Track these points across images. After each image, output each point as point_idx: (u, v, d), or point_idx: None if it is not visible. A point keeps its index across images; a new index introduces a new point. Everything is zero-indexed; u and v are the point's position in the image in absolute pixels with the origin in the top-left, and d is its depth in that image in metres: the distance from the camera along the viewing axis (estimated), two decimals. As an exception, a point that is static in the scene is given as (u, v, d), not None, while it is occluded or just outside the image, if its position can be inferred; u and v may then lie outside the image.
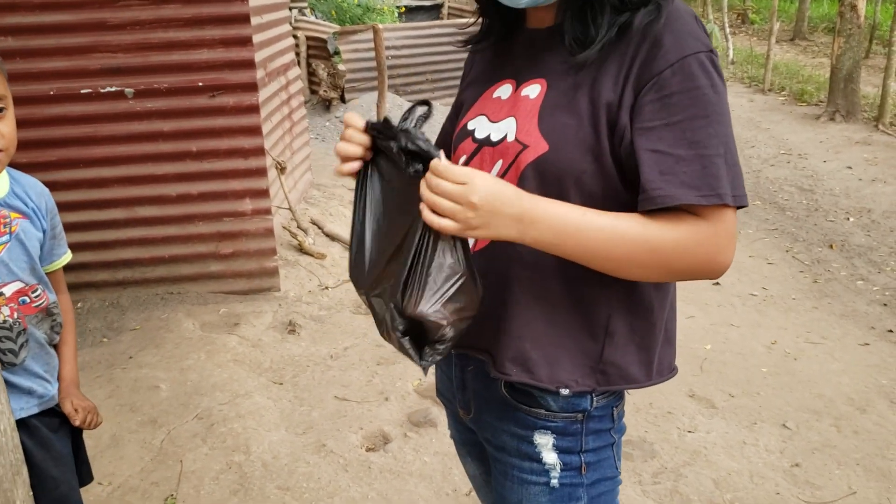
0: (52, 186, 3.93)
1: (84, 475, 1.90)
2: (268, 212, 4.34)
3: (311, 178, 6.40)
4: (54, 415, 1.77)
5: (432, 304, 1.12)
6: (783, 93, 12.38)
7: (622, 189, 1.14)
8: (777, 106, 11.42)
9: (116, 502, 2.65)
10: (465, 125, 1.32)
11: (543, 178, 1.14)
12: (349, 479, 2.77)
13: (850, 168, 7.79)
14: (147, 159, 4.15)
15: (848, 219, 6.34)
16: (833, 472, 3.00)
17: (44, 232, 1.74)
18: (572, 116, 1.14)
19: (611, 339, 1.22)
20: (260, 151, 4.23)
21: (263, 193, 4.30)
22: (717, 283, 5.00)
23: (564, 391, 1.22)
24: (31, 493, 1.53)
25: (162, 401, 3.28)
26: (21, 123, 4.05)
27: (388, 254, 1.21)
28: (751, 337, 4.27)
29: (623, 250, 1.08)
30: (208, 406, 3.23)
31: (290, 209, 5.15)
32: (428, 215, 1.06)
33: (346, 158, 1.19)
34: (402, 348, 1.18)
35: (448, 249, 1.12)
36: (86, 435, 1.92)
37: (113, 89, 4.02)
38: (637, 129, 1.09)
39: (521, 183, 1.16)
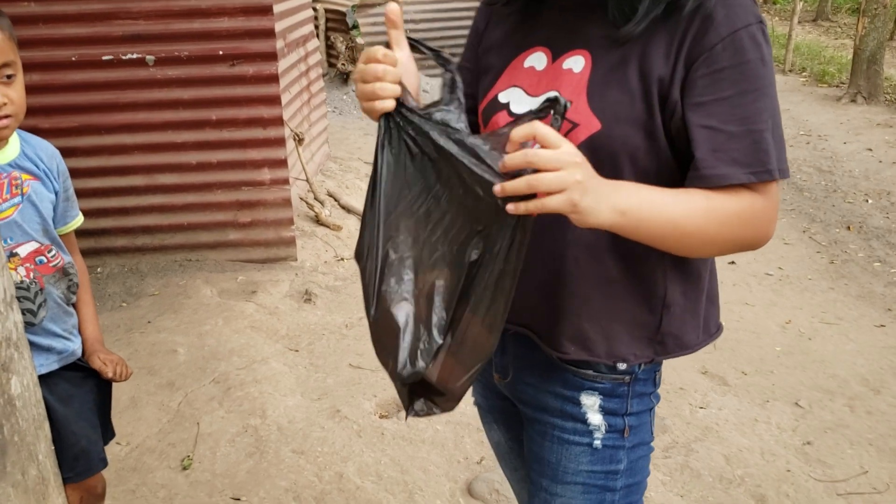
0: (74, 152, 4.02)
1: (106, 433, 1.94)
2: (285, 182, 4.36)
3: (328, 151, 6.41)
4: (77, 369, 1.80)
5: (462, 381, 1.07)
6: (804, 74, 12.23)
7: (675, 164, 1.13)
8: (798, 87, 11.29)
9: (134, 462, 2.70)
10: (496, 97, 1.25)
11: (597, 158, 1.08)
12: (363, 444, 2.81)
13: (870, 150, 7.70)
14: (167, 127, 4.17)
15: (867, 200, 6.29)
16: (845, 452, 3.01)
17: (56, 194, 1.76)
18: (623, 92, 1.10)
19: (668, 310, 1.22)
20: (278, 121, 4.24)
21: (281, 163, 4.32)
22: (733, 262, 4.99)
23: (622, 366, 1.22)
24: (53, 448, 1.56)
25: (180, 364, 3.32)
26: (43, 89, 4.13)
27: (420, 271, 1.09)
28: (765, 316, 4.26)
29: (696, 227, 1.07)
30: (225, 370, 3.27)
31: (307, 180, 5.17)
32: (525, 206, 0.98)
33: (378, 96, 1.07)
34: (396, 388, 1.12)
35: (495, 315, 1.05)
36: (111, 393, 1.95)
37: (134, 56, 4.04)
38: (688, 104, 1.08)
39: None
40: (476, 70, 1.36)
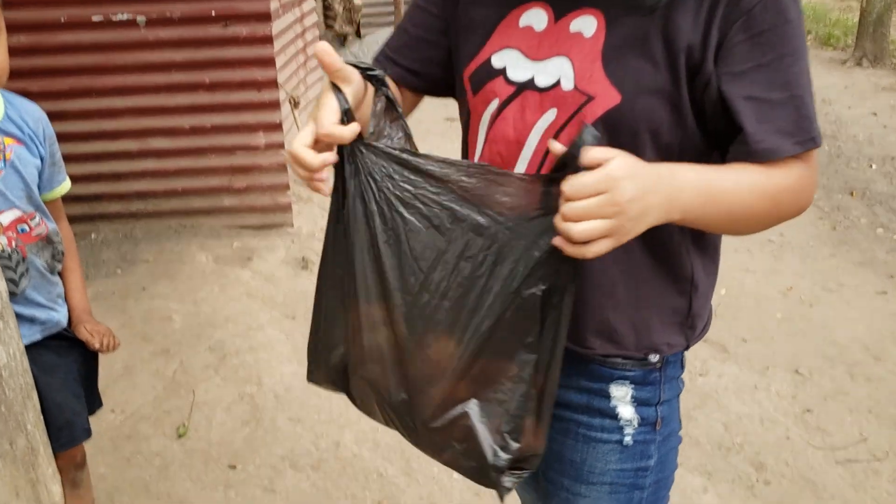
0: (64, 116, 3.95)
1: (93, 402, 1.91)
2: (281, 146, 4.30)
3: (325, 114, 6.32)
4: (61, 339, 1.76)
5: (545, 433, 0.97)
6: (809, 36, 12.07)
7: (700, 139, 1.04)
8: (802, 50, 11.15)
9: (128, 430, 2.68)
10: (489, 60, 1.10)
11: (615, 134, 0.99)
12: (360, 412, 2.79)
13: (875, 114, 7.61)
14: (159, 90, 4.09)
15: (871, 166, 6.22)
16: (845, 419, 2.99)
17: (41, 159, 1.70)
18: (646, 60, 0.99)
19: (696, 290, 1.13)
20: (273, 84, 4.16)
21: (277, 127, 4.25)
22: (734, 229, 4.95)
23: (654, 357, 1.12)
24: (42, 417, 1.53)
25: (175, 332, 3.29)
26: (32, 51, 4.04)
27: (469, 353, 0.95)
28: (766, 283, 4.23)
29: (752, 208, 0.99)
30: (221, 338, 3.25)
31: (303, 145, 5.10)
32: (572, 249, 0.87)
33: (313, 170, 0.93)
34: (475, 480, 1.00)
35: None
36: (99, 363, 1.92)
37: (125, 17, 3.94)
38: (726, 73, 0.98)
39: None
40: (446, 17, 1.20)
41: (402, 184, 0.93)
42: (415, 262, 0.94)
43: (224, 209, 4.38)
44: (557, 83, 1.03)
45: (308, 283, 3.82)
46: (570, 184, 0.84)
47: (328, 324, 1.04)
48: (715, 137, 1.04)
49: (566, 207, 0.85)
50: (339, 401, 2.84)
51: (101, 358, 1.87)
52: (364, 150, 0.94)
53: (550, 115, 1.04)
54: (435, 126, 6.44)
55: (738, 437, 2.82)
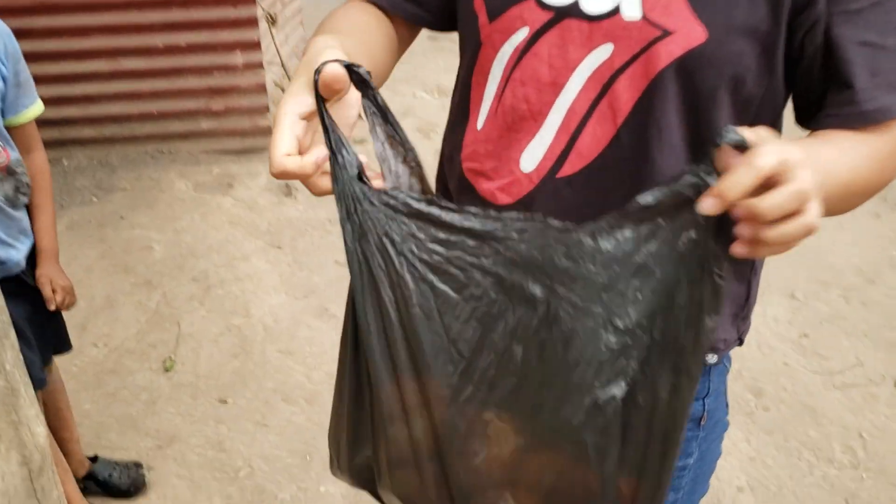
0: (29, 34, 3.71)
1: (60, 345, 1.80)
2: (260, 66, 4.11)
3: (303, 34, 6.08)
4: (19, 282, 1.63)
5: None
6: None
7: (782, 94, 0.86)
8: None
9: (112, 365, 2.59)
10: None
11: (692, 82, 0.80)
12: (352, 344, 2.72)
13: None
14: (131, 6, 3.86)
15: (862, 86, 6.15)
16: (841, 343, 2.97)
17: (4, 80, 1.55)
18: None
19: (754, 273, 0.98)
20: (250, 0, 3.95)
21: (255, 46, 4.05)
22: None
23: (711, 358, 0.96)
24: (21, 358, 1.43)
25: (156, 262, 3.18)
26: (-9, -38, 3.74)
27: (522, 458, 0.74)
28: (760, 206, 4.18)
29: (862, 181, 0.81)
30: (204, 268, 3.14)
31: (282, 65, 4.89)
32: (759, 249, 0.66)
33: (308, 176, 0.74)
34: None
35: None
36: (79, 296, 1.81)
37: (90, -74, 3.68)
38: (839, 12, 0.79)
39: (655, 87, 0.81)
40: None
41: (429, 244, 0.70)
42: (452, 344, 0.72)
43: (202, 133, 4.21)
44: (616, 11, 0.80)
45: (293, 210, 3.70)
46: (762, 160, 0.61)
47: (352, 418, 0.83)
48: (796, 93, 0.89)
49: (766, 206, 0.62)
50: (331, 332, 2.76)
51: (82, 290, 1.76)
52: (375, 204, 0.71)
53: (603, 52, 0.82)
54: (417, 45, 6.22)
55: (736, 364, 2.79)
